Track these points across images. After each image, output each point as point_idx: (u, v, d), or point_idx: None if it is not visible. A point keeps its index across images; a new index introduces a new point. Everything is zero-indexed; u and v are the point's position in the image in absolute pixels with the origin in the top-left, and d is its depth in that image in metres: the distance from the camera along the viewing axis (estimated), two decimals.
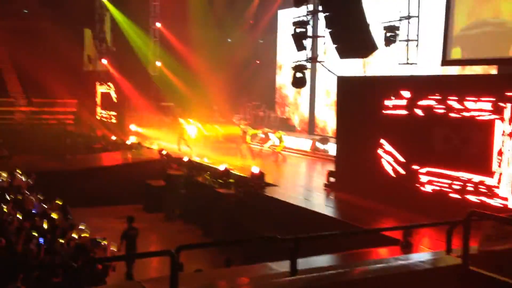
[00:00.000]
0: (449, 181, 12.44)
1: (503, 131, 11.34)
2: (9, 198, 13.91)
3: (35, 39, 32.38)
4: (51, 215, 13.13)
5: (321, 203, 15.31)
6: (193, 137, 24.68)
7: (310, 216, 13.56)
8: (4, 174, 16.54)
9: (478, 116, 11.79)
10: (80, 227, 12.78)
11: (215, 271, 10.89)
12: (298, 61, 18.26)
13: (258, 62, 30.92)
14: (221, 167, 18.29)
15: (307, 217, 13.58)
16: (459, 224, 6.81)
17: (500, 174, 11.41)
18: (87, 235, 12.27)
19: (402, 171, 13.71)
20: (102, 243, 11.67)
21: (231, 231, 15.61)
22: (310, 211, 13.85)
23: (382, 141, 14.23)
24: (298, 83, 18.54)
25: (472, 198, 11.93)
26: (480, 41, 14.63)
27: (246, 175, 17.31)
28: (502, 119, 11.34)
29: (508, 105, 11.24)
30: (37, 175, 17.00)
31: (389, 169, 14.10)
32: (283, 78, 29.51)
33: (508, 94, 11.26)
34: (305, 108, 28.18)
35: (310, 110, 27.54)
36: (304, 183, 17.75)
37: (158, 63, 31.66)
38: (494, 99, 11.50)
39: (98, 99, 33.90)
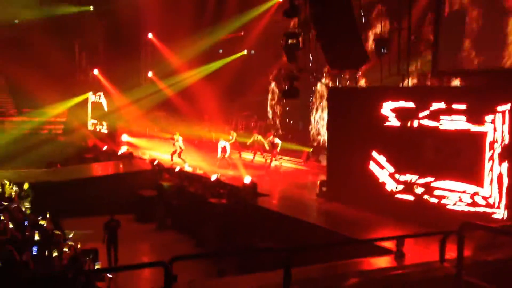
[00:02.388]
0: (442, 191, 12.52)
1: (494, 143, 11.45)
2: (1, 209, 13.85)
3: (26, 49, 32.31)
4: (43, 226, 13.06)
5: (313, 213, 15.33)
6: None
7: (302, 226, 13.57)
8: None
9: (470, 127, 11.91)
10: (69, 236, 12.72)
11: (208, 282, 10.89)
12: (289, 72, 18.33)
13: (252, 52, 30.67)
14: (213, 177, 18.27)
15: (299, 227, 13.59)
16: (453, 234, 6.86)
17: (491, 184, 11.50)
18: (79, 247, 12.22)
19: (393, 181, 13.78)
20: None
21: (223, 241, 15.58)
22: (302, 221, 13.86)
23: (374, 151, 14.31)
24: (290, 94, 18.59)
25: (464, 208, 12.01)
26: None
27: (238, 185, 17.30)
28: (494, 130, 11.45)
29: (499, 116, 11.36)
30: (29, 186, 16.89)
31: (380, 178, 14.16)
32: (276, 89, 29.53)
33: (499, 106, 11.39)
34: (297, 119, 28.20)
35: (303, 120, 27.55)
36: (296, 193, 17.75)
37: (150, 73, 31.66)
38: (485, 111, 11.63)
39: (89, 109, 33.83)
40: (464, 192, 12.01)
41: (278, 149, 21.91)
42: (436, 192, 12.64)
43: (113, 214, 15.14)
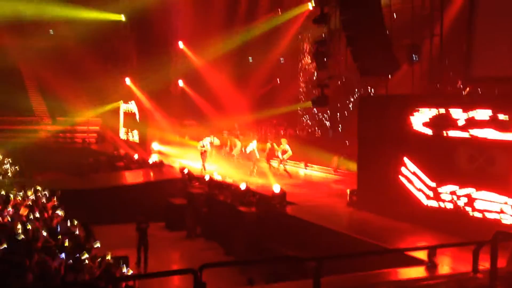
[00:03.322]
0: (475, 201, 12.25)
1: None
2: (34, 216, 14.10)
3: (60, 59, 32.99)
4: (75, 233, 13.24)
5: (343, 222, 15.18)
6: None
7: (332, 235, 13.44)
8: (29, 192, 16.76)
9: (501, 135, 11.63)
10: (97, 245, 12.82)
11: None
12: (319, 79, 18.28)
13: (278, 80, 30.99)
14: (242, 186, 18.26)
15: (329, 236, 13.47)
16: (486, 244, 6.70)
17: None
18: (110, 254, 12.33)
19: (425, 190, 13.55)
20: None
21: (252, 250, 15.54)
22: (331, 230, 13.73)
23: (405, 159, 14.11)
24: (320, 102, 18.51)
25: (497, 218, 11.72)
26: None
27: (267, 193, 17.25)
28: None
29: None
30: (61, 193, 17.18)
31: (411, 188, 13.94)
32: (306, 96, 29.43)
33: None
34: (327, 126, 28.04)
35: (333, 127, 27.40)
36: (326, 202, 17.62)
37: (180, 82, 31.93)
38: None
39: (121, 118, 34.30)
40: (497, 202, 11.72)
41: (285, 156, 21.81)
42: (469, 202, 12.37)
43: (143, 216, 15.95)
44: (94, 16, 31.32)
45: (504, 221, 11.50)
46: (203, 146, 23.50)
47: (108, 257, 11.81)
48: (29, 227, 12.86)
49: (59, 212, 14.89)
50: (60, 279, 9.98)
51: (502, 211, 11.64)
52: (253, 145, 22.64)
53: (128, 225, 17.34)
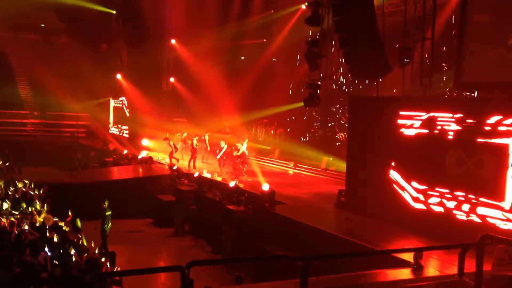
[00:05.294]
0: (461, 204, 12.33)
1: None
2: (21, 210, 14.02)
3: (51, 52, 32.77)
4: (62, 228, 13.17)
5: (331, 223, 15.22)
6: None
7: (320, 235, 13.47)
8: (19, 185, 16.66)
9: (493, 139, 11.71)
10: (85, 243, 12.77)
11: None
12: (311, 80, 18.26)
13: (270, 80, 30.94)
14: (231, 184, 18.27)
15: (317, 236, 13.50)
16: (472, 247, 6.75)
17: None
18: (96, 249, 12.29)
19: (413, 193, 13.62)
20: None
21: (240, 248, 15.55)
22: (319, 230, 13.76)
23: (393, 161, 14.17)
24: (311, 102, 18.49)
25: (484, 221, 11.80)
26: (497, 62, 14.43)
27: (256, 192, 17.27)
28: None
29: None
30: (49, 187, 17.07)
31: (399, 190, 14.01)
32: (296, 96, 29.47)
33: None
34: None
35: (323, 128, 27.48)
36: (315, 202, 17.67)
37: (172, 79, 31.86)
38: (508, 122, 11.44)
39: (111, 113, 34.17)
40: (485, 205, 11.81)
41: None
42: (457, 205, 12.44)
43: (105, 203, 16.40)
44: (84, 4, 31.06)
45: (491, 224, 11.59)
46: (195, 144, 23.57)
47: (95, 253, 11.81)
48: (13, 219, 12.80)
49: (47, 207, 14.81)
50: (46, 273, 9.91)
51: (490, 215, 11.72)
52: (245, 145, 22.59)
53: (116, 221, 17.29)
